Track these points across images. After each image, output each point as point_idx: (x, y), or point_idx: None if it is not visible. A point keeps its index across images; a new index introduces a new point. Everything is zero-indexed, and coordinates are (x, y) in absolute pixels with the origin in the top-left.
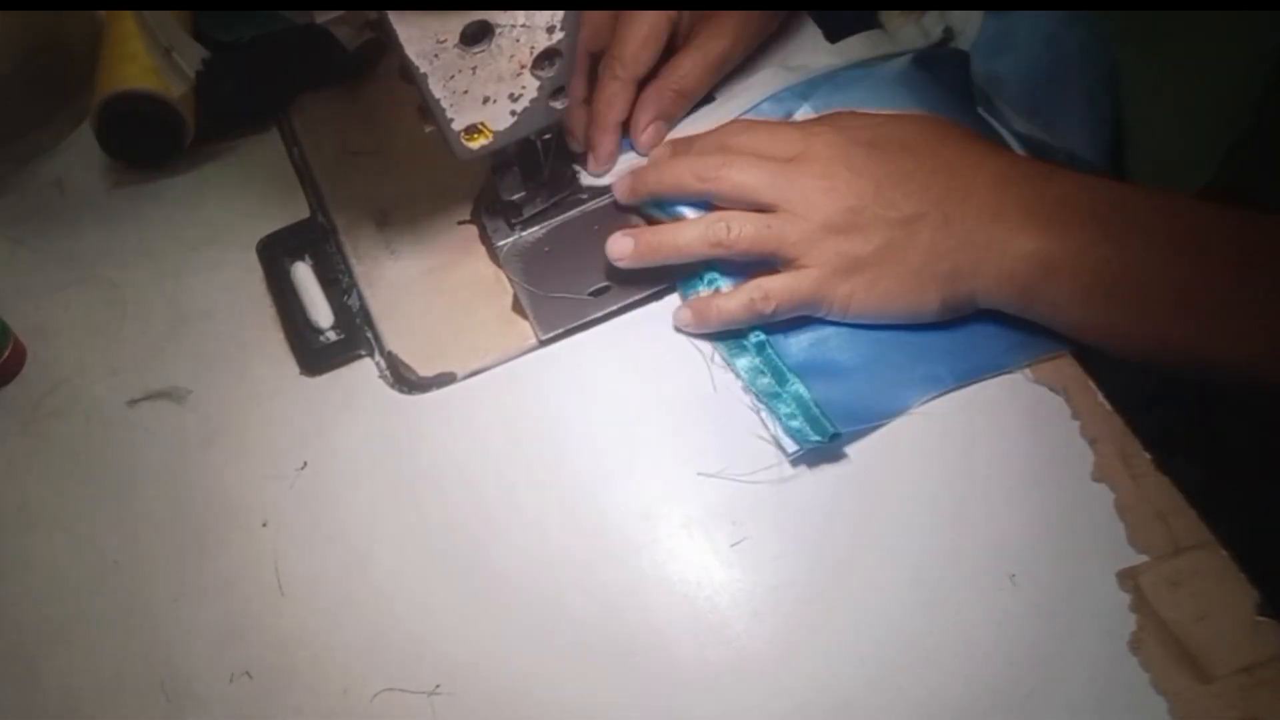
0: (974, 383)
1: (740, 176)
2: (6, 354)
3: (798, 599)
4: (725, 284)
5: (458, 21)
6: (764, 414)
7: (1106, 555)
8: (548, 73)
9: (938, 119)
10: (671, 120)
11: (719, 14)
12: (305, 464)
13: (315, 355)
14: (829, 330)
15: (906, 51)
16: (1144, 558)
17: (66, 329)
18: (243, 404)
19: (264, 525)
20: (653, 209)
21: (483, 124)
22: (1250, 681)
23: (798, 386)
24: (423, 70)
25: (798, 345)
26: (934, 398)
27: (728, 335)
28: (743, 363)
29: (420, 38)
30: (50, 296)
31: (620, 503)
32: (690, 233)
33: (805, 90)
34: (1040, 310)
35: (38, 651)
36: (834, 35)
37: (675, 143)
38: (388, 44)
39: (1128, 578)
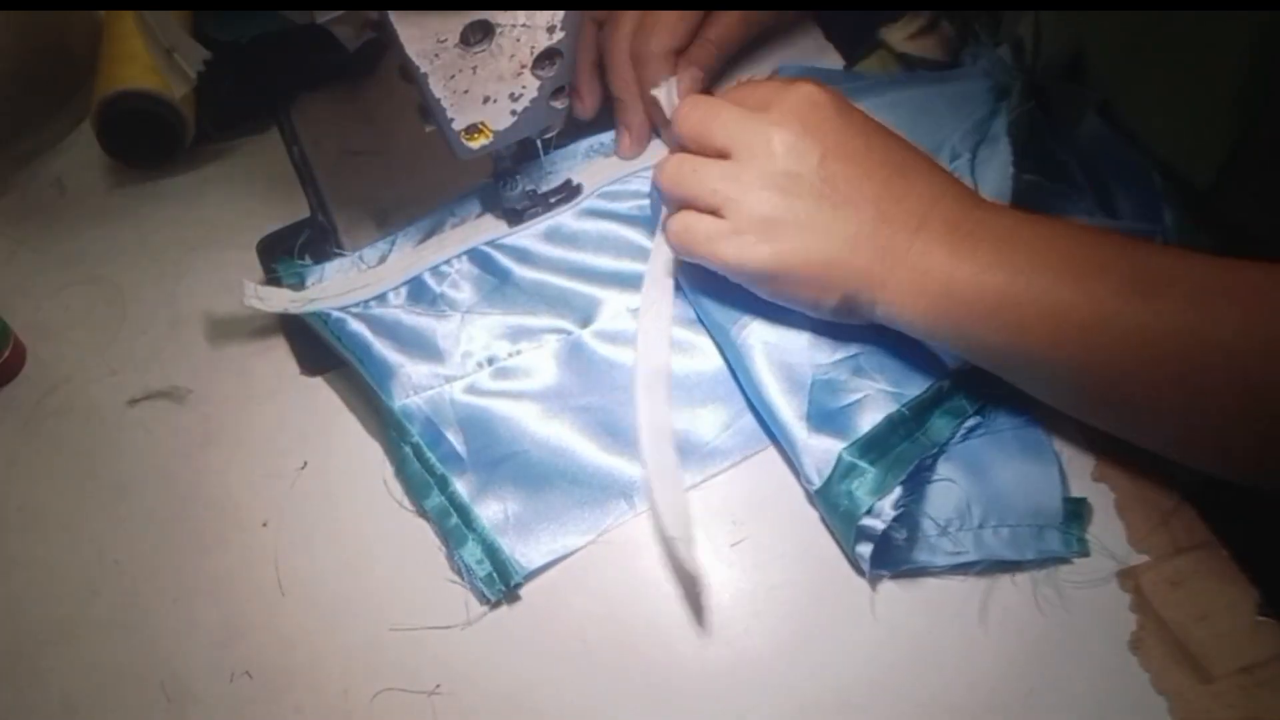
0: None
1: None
2: (6, 354)
3: (798, 599)
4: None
5: (458, 21)
6: (456, 558)
7: (1107, 555)
8: (548, 72)
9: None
10: (708, 70)
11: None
12: (305, 464)
13: (315, 355)
14: (525, 439)
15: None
16: (1144, 558)
17: (66, 329)
18: (243, 404)
19: (264, 525)
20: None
21: (483, 124)
22: (1250, 681)
23: (484, 528)
24: (423, 70)
25: (489, 453)
26: (623, 522)
27: (412, 475)
28: (430, 502)
29: (421, 37)
30: (50, 296)
31: None
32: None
33: None
34: (945, 330)
35: (38, 651)
36: (837, 38)
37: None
38: (388, 44)
39: (1128, 578)
